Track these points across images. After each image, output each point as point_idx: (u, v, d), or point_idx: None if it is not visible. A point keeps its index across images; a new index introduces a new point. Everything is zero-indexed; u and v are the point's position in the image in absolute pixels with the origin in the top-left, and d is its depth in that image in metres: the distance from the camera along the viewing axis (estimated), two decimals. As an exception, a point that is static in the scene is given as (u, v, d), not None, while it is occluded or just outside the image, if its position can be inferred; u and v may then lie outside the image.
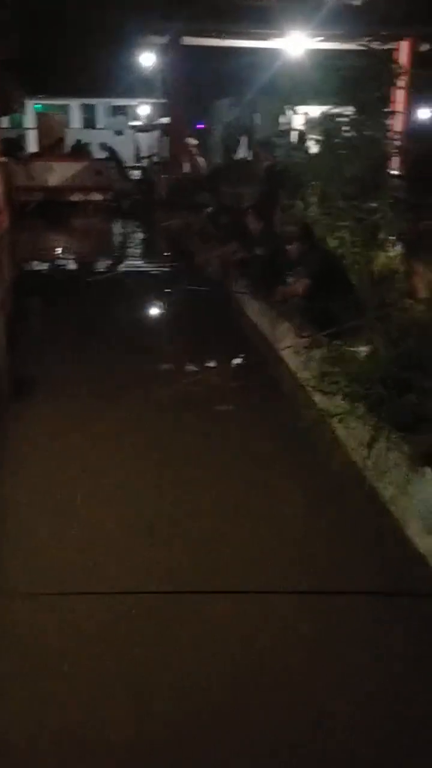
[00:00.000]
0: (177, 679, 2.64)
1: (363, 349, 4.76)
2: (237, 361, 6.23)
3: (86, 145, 19.30)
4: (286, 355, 5.95)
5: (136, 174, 18.19)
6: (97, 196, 17.09)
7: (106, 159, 17.63)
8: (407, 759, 2.36)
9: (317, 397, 4.90)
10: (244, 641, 2.84)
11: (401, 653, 2.80)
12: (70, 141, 20.26)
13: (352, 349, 4.83)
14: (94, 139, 19.98)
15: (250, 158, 14.27)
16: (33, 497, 3.90)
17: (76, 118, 24.97)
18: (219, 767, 2.33)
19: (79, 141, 19.67)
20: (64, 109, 24.54)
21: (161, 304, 8.90)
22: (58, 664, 2.69)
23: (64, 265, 11.79)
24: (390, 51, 10.94)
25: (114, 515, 3.74)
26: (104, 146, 17.63)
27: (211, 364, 6.00)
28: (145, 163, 19.00)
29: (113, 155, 17.46)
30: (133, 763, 2.31)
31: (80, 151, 18.95)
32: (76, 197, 17.01)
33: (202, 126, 21.24)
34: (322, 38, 14.22)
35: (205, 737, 2.41)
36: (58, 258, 12.38)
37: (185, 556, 3.39)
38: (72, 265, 11.95)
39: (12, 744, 2.35)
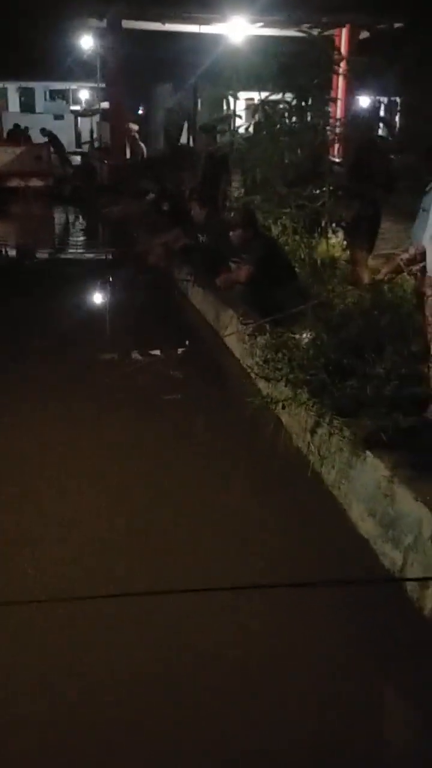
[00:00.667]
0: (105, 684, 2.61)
1: (305, 336, 4.79)
2: (181, 348, 6.19)
3: (25, 129, 18.86)
4: (230, 342, 5.95)
5: (76, 160, 17.88)
6: (36, 182, 16.71)
7: (47, 144, 17.27)
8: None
9: (261, 384, 4.92)
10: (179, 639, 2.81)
11: (339, 641, 2.84)
12: (7, 125, 19.77)
13: (294, 335, 4.86)
14: (33, 123, 19.54)
15: (191, 144, 14.18)
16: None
17: (13, 102, 24.41)
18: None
19: (17, 125, 19.21)
20: (1, 92, 23.96)
21: (102, 292, 8.78)
22: None
23: (1, 253, 11.51)
24: (330, 38, 11.02)
25: (52, 508, 3.68)
26: (44, 131, 17.25)
27: (154, 351, 5.94)
28: (85, 148, 18.69)
29: (54, 140, 17.10)
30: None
31: (18, 135, 18.51)
32: (14, 183, 16.60)
33: (143, 111, 21.02)
34: (263, 24, 14.18)
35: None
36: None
37: (121, 550, 3.34)
38: (10, 253, 11.67)
39: None
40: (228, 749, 2.34)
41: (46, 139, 17.08)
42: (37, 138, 17.71)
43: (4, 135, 19.57)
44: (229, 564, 3.25)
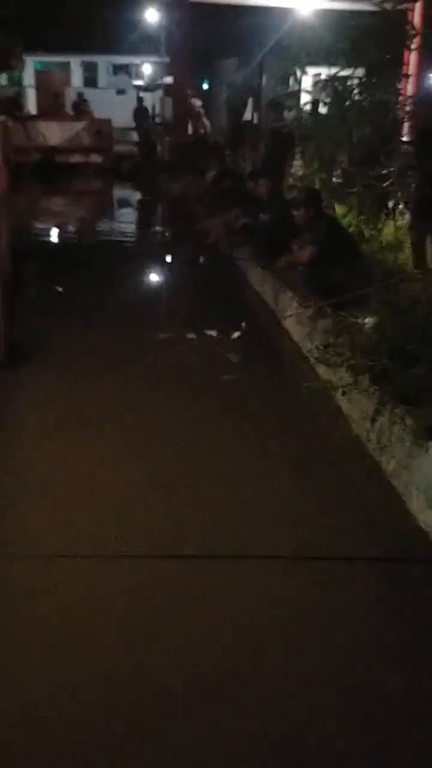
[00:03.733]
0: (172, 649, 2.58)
1: (369, 321, 4.65)
2: (238, 330, 6.11)
3: (86, 102, 18.93)
4: (289, 324, 5.84)
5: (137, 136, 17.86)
6: (96, 158, 16.76)
7: (108, 119, 17.28)
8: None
9: (320, 369, 4.81)
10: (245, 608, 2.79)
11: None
12: (70, 100, 19.85)
13: (357, 320, 4.72)
14: (96, 98, 19.58)
15: (256, 121, 13.95)
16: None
17: (77, 77, 24.45)
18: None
19: (80, 95, 19.28)
20: (65, 67, 24.00)
21: (160, 270, 8.75)
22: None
23: (61, 230, 11.58)
24: (403, 12, 10.62)
25: (117, 479, 3.68)
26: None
27: (210, 332, 5.88)
28: (147, 124, 18.62)
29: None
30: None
31: (81, 109, 18.59)
32: (75, 158, 16.69)
33: (208, 86, 20.79)
34: (334, -2, 13.78)
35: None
36: (56, 222, 12.16)
37: (185, 520, 3.33)
38: (70, 230, 11.74)
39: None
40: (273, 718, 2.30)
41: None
42: (99, 113, 17.77)
43: (69, 108, 19.66)
44: (283, 542, 3.21)
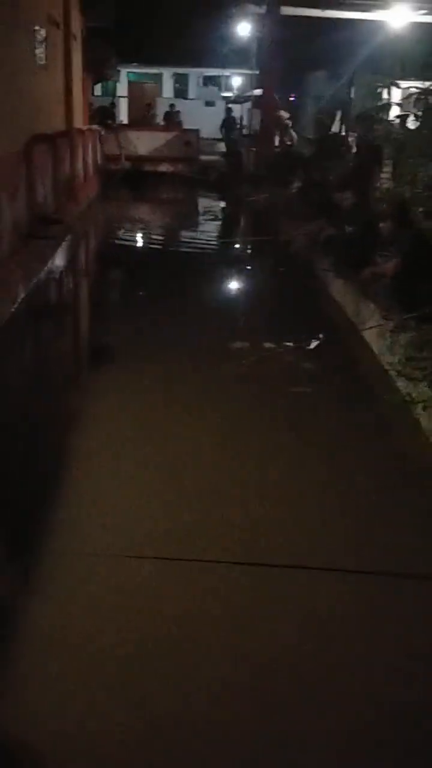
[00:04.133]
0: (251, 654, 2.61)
1: (454, 336, 4.57)
2: (316, 340, 6.09)
3: (177, 113, 19.32)
4: (369, 336, 5.79)
5: (223, 146, 18.08)
6: (184, 167, 17.07)
7: (196, 130, 17.59)
8: None
9: (400, 383, 4.75)
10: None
11: None
12: (161, 111, 20.29)
13: (442, 334, 4.65)
14: (186, 109, 19.94)
15: (344, 133, 13.91)
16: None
17: (168, 88, 24.96)
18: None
19: (172, 106, 19.69)
20: (157, 78, 24.56)
21: (242, 279, 8.82)
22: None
23: (146, 236, 11.83)
24: None
25: (193, 481, 3.74)
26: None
27: (288, 342, 5.88)
28: (234, 135, 18.83)
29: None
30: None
31: (172, 119, 18.98)
32: (163, 167, 17.04)
33: (295, 99, 20.84)
34: (427, 11, 13.64)
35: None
36: (141, 228, 12.44)
37: (258, 530, 3.35)
38: (154, 236, 11.97)
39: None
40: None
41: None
42: (188, 123, 18.10)
43: (159, 119, 20.11)
44: (354, 557, 3.18)
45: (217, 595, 2.90)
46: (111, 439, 4.19)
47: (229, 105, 20.65)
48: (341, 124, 14.46)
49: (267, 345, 5.88)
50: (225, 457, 4.05)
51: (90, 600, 2.81)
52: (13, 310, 6.21)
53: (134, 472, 3.81)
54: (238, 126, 19.44)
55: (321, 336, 6.27)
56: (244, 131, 19.22)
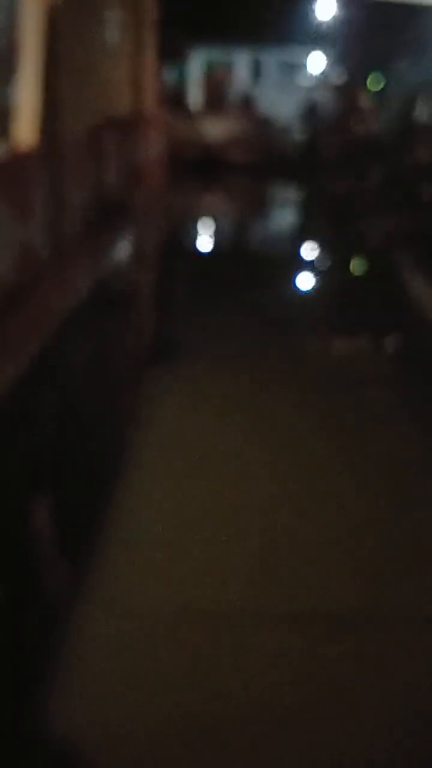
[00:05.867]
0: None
1: None
2: (394, 340, 5.64)
3: (253, 98, 18.80)
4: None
5: (300, 134, 17.48)
6: (256, 155, 16.54)
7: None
8: None
9: None
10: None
11: None
12: (234, 96, 19.79)
13: None
14: (261, 95, 19.40)
15: (427, 122, 13.16)
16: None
17: (242, 73, 24.36)
18: None
19: (246, 92, 19.18)
20: (231, 62, 23.97)
21: (317, 274, 8.33)
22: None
23: (215, 227, 11.40)
24: None
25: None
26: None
27: (365, 341, 5.49)
28: (314, 122, 18.18)
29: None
30: None
31: (246, 105, 18.48)
32: (235, 154, 16.54)
33: (378, 86, 20.02)
34: None
35: None
36: (210, 218, 12.02)
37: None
38: (223, 228, 11.53)
39: None
40: None
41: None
42: (263, 109, 17.57)
43: (233, 104, 19.63)
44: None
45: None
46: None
47: (312, 92, 19.99)
48: (428, 112, 13.72)
49: (343, 344, 5.52)
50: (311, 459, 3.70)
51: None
52: (81, 295, 5.92)
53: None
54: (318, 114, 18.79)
55: (399, 334, 5.84)
56: (320, 120, 18.56)
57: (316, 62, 22.78)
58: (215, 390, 4.62)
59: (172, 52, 17.32)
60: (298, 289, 7.74)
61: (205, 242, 10.13)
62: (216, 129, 16.73)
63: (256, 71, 24.49)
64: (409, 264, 7.25)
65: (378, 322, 6.08)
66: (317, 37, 20.37)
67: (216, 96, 19.86)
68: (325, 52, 20.63)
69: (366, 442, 4.00)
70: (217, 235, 10.73)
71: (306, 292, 7.74)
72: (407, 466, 3.77)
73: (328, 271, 8.35)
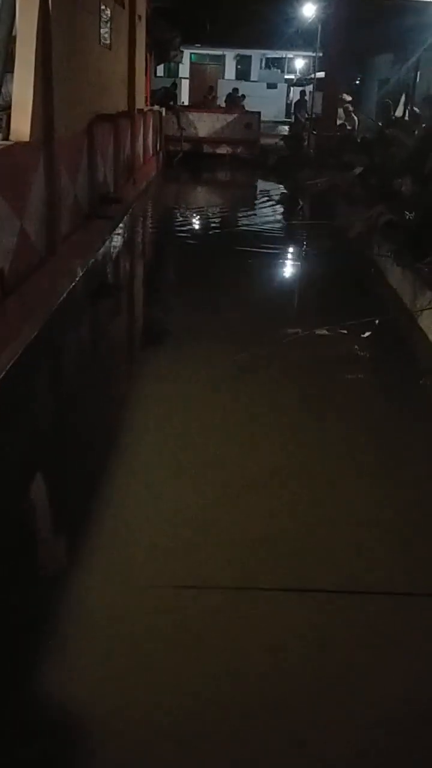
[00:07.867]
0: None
1: None
2: (370, 327, 6.00)
3: (242, 96, 19.20)
4: (426, 325, 5.73)
5: (284, 129, 17.94)
6: (244, 150, 17.00)
7: (257, 113, 17.45)
8: None
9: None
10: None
11: None
12: (223, 93, 20.22)
13: None
14: (247, 91, 19.81)
15: (407, 118, 13.62)
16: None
17: (230, 70, 24.82)
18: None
19: (235, 89, 19.57)
20: (220, 59, 24.44)
21: (297, 264, 8.77)
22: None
23: (203, 217, 11.85)
24: None
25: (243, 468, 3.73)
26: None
27: (342, 328, 5.80)
28: (300, 117, 18.65)
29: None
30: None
31: (234, 101, 18.89)
32: (223, 150, 17.00)
33: (359, 82, 20.49)
34: None
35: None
36: (199, 210, 12.46)
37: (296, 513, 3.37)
38: (211, 218, 11.97)
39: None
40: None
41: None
42: (249, 105, 18.00)
43: (220, 101, 20.04)
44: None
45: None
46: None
47: (300, 88, 20.42)
48: (405, 108, 14.18)
49: (320, 331, 5.79)
50: (282, 444, 4.01)
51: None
52: (72, 285, 6.38)
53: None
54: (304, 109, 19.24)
55: (376, 322, 6.15)
56: (307, 114, 19.01)
57: (301, 59, 23.25)
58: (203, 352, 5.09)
59: (163, 51, 17.72)
60: (276, 274, 8.22)
61: (191, 230, 10.56)
62: (205, 125, 17.19)
63: (244, 68, 24.94)
64: (384, 253, 7.65)
65: (347, 307, 6.36)
66: (302, 35, 20.83)
67: (206, 92, 20.29)
68: (309, 49, 21.10)
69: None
70: (203, 224, 11.17)
71: (282, 278, 8.23)
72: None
73: (305, 258, 8.77)
